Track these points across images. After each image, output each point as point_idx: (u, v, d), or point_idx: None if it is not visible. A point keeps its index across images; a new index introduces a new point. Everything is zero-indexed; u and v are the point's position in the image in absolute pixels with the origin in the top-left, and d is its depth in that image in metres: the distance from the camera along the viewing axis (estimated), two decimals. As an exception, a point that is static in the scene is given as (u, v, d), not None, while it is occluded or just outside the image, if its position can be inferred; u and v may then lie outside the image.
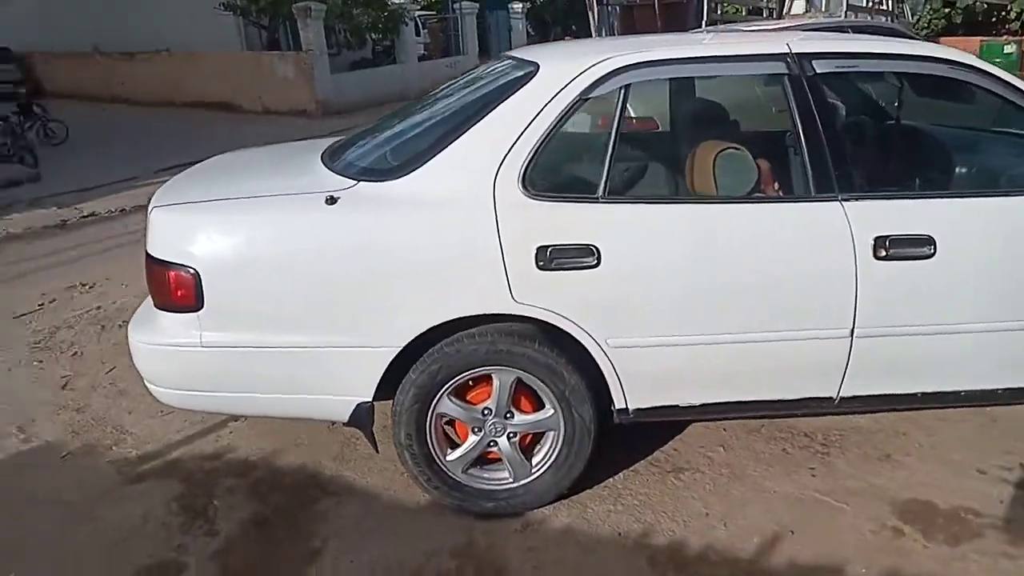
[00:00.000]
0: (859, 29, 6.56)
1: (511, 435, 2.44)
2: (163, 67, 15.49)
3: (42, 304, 4.67)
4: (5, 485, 2.79)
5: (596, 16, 9.94)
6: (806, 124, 2.35)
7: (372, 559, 2.34)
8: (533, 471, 2.47)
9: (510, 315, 2.27)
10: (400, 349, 2.27)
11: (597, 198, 2.29)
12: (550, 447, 2.46)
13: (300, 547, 2.40)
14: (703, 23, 9.33)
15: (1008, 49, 14.87)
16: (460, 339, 2.31)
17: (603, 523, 2.46)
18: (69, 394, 3.48)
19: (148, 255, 2.33)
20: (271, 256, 2.30)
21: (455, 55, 18.48)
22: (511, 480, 2.48)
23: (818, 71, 2.39)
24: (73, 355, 3.91)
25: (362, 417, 2.36)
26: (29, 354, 3.94)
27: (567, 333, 2.30)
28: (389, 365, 2.29)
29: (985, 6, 17.03)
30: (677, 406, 2.45)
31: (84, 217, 7.03)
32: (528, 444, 2.50)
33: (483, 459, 2.51)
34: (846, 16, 10.41)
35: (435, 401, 2.36)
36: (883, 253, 2.26)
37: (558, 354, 2.32)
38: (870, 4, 12.66)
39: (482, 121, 2.34)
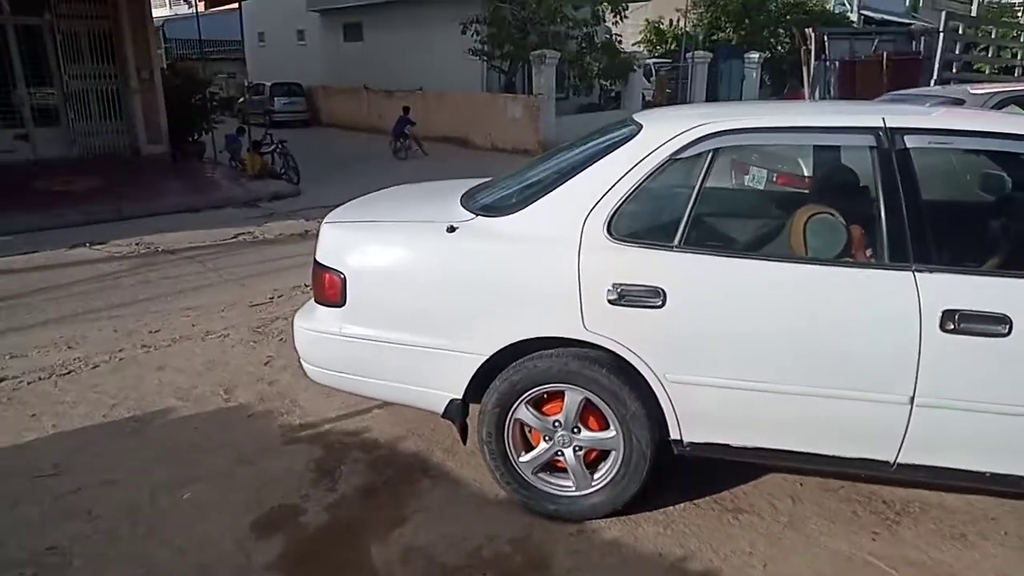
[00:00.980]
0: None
1: (577, 448, 2.74)
2: (416, 104, 17.33)
3: (272, 298, 5.76)
4: (204, 431, 3.61)
5: (811, 72, 9.58)
6: (888, 195, 2.42)
7: (444, 533, 2.76)
8: (593, 484, 2.75)
9: (582, 341, 2.60)
10: (487, 358, 2.68)
11: (671, 246, 2.54)
12: (611, 465, 2.72)
13: (393, 513, 2.89)
14: (932, 81, 8.75)
15: None
16: (538, 356, 2.67)
17: (648, 542, 2.66)
18: (267, 370, 4.34)
19: (315, 260, 2.99)
20: (398, 269, 2.86)
21: (680, 104, 18.74)
22: (573, 489, 2.78)
23: (908, 146, 2.45)
24: (280, 341, 4.81)
25: (453, 411, 2.80)
26: (249, 335, 4.93)
27: (630, 363, 2.57)
28: (477, 370, 2.71)
29: None
30: (729, 445, 2.59)
31: (323, 230, 8.37)
32: (593, 460, 2.78)
33: (552, 466, 2.83)
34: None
35: (514, 407, 2.73)
36: (951, 326, 2.26)
37: (623, 381, 2.58)
38: None
39: (583, 172, 2.72)
